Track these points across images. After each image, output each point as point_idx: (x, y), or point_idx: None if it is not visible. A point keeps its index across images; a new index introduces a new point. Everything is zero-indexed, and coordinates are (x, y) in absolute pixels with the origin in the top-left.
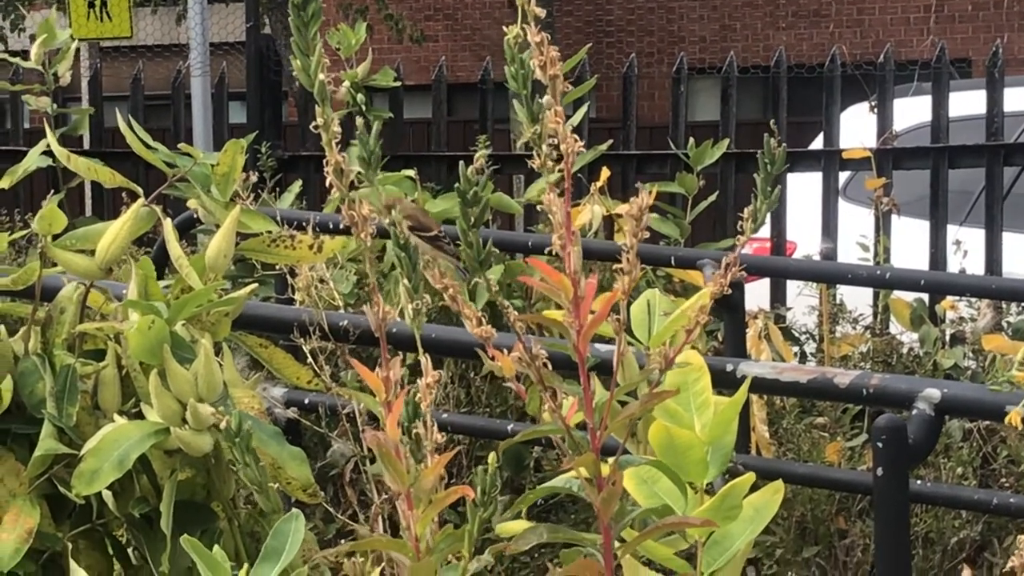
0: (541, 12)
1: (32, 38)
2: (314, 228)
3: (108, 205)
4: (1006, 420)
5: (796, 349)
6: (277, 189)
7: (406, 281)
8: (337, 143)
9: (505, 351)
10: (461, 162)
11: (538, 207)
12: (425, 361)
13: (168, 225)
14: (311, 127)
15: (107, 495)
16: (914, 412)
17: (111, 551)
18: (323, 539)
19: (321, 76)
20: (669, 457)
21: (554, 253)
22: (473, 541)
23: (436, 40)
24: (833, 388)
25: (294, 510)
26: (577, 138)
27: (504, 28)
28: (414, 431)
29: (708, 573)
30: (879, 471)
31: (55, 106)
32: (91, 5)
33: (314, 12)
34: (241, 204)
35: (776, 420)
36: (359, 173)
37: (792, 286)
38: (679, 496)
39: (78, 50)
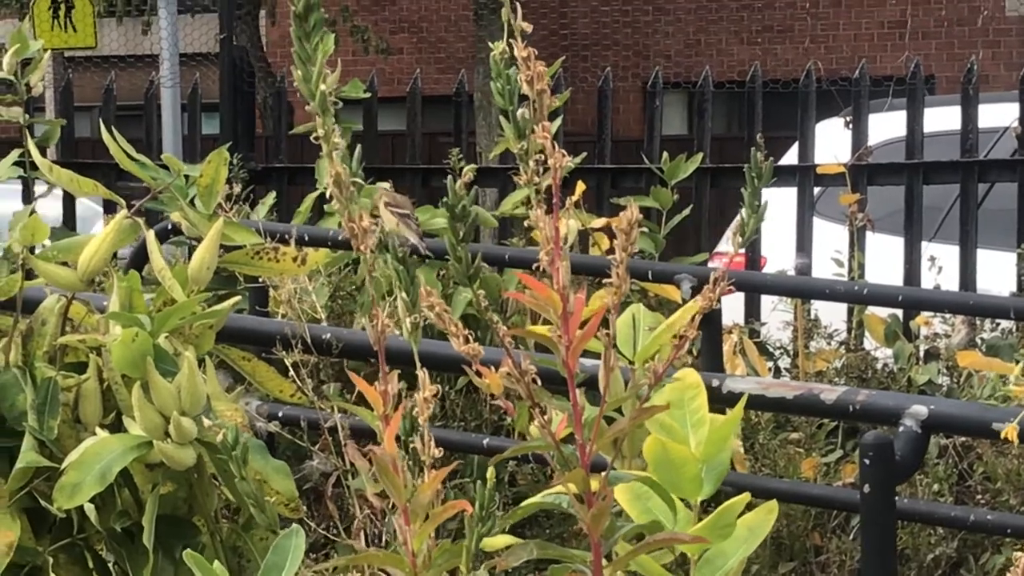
0: (528, 27)
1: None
2: (287, 240)
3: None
4: (1003, 435)
5: (770, 364)
6: (249, 200)
7: (404, 295)
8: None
9: (491, 367)
10: (448, 177)
11: (527, 222)
12: (423, 375)
13: (151, 238)
14: (311, 137)
15: (89, 509)
16: (901, 429)
17: (92, 565)
18: None
19: (323, 86)
20: (663, 472)
21: (541, 268)
22: (471, 557)
23: (401, 52)
24: (819, 404)
25: (294, 526)
26: (564, 153)
27: (473, 42)
28: (410, 445)
29: None
30: (866, 488)
31: (26, 116)
32: (55, 16)
33: (316, 22)
34: (224, 216)
35: (751, 435)
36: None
37: (766, 301)
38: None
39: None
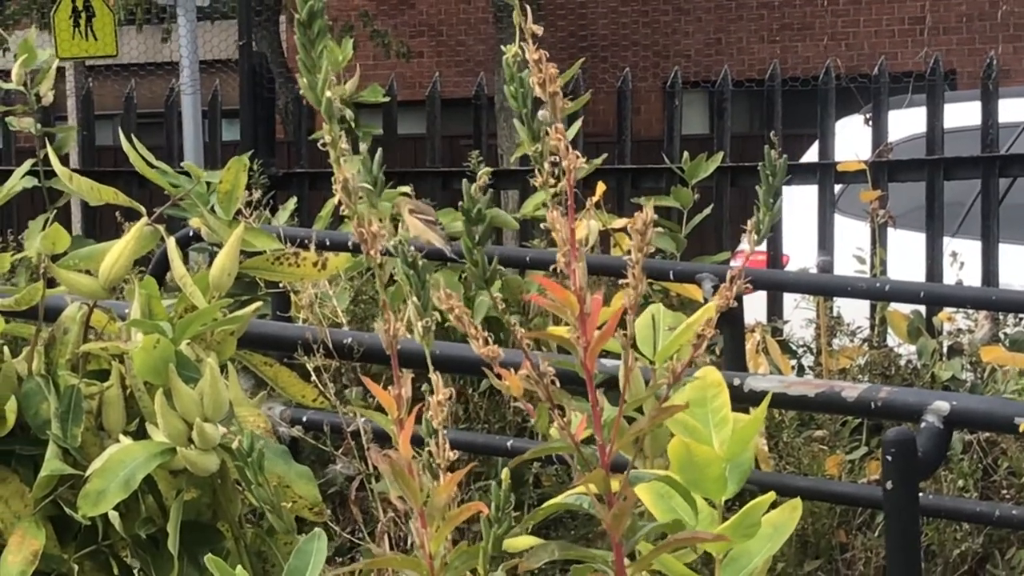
0: (539, 30)
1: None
2: (307, 245)
3: (97, 224)
4: (1021, 430)
5: (794, 362)
6: (270, 206)
7: (415, 299)
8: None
9: (512, 369)
10: (464, 180)
11: (543, 224)
12: (436, 378)
13: (172, 244)
14: (319, 144)
15: (113, 516)
16: (923, 425)
17: (117, 572)
18: None
19: (328, 93)
20: (687, 473)
21: (558, 270)
22: (488, 558)
23: (421, 56)
24: (841, 401)
25: (316, 529)
26: (579, 154)
27: (493, 44)
28: (426, 448)
29: None
30: (889, 485)
31: (39, 126)
32: (76, 24)
33: (320, 29)
34: (244, 222)
35: (775, 433)
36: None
37: (788, 299)
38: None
39: (62, 69)
